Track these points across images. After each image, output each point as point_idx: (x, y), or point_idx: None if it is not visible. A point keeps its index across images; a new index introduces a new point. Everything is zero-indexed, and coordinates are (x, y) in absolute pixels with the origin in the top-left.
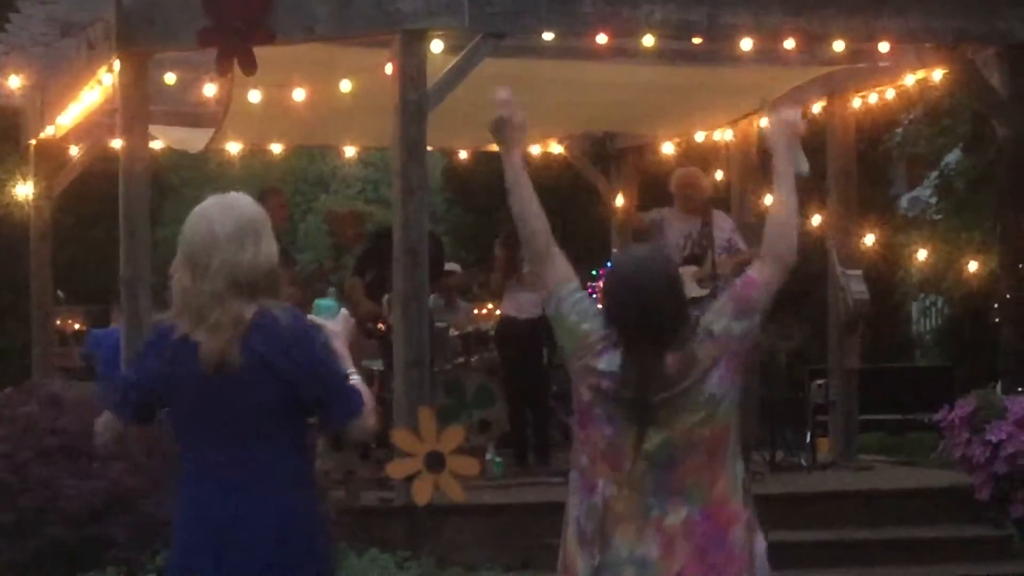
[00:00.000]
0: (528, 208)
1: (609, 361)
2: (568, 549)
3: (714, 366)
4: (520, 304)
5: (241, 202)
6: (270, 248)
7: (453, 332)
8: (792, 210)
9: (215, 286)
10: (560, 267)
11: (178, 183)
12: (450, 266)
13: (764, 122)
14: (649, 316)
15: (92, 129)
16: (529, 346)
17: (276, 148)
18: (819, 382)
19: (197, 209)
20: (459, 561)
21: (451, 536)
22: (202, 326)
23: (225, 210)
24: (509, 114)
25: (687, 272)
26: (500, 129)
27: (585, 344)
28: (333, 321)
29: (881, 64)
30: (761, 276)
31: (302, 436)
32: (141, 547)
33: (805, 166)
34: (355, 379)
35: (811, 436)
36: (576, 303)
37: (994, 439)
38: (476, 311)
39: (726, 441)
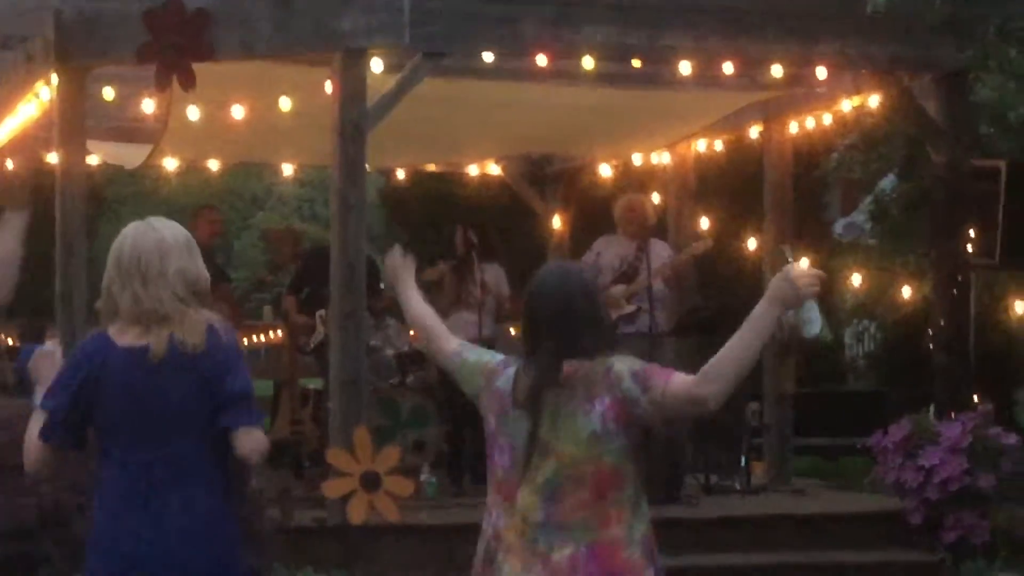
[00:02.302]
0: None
1: (506, 378)
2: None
3: (597, 398)
4: (463, 325)
5: (172, 221)
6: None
7: (388, 352)
8: (742, 365)
9: (175, 289)
10: (455, 337)
11: (113, 199)
12: None
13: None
14: (557, 319)
15: (28, 143)
16: None
17: (213, 165)
18: (754, 405)
19: (133, 226)
20: None
21: (386, 556)
22: (158, 328)
23: (166, 225)
24: (399, 259)
25: (617, 290)
26: (394, 272)
27: (488, 370)
28: None
29: (818, 89)
30: (675, 385)
31: (222, 444)
32: (74, 565)
33: (816, 328)
34: None
35: (745, 459)
36: (473, 349)
37: (927, 464)
38: (411, 331)
39: (616, 486)
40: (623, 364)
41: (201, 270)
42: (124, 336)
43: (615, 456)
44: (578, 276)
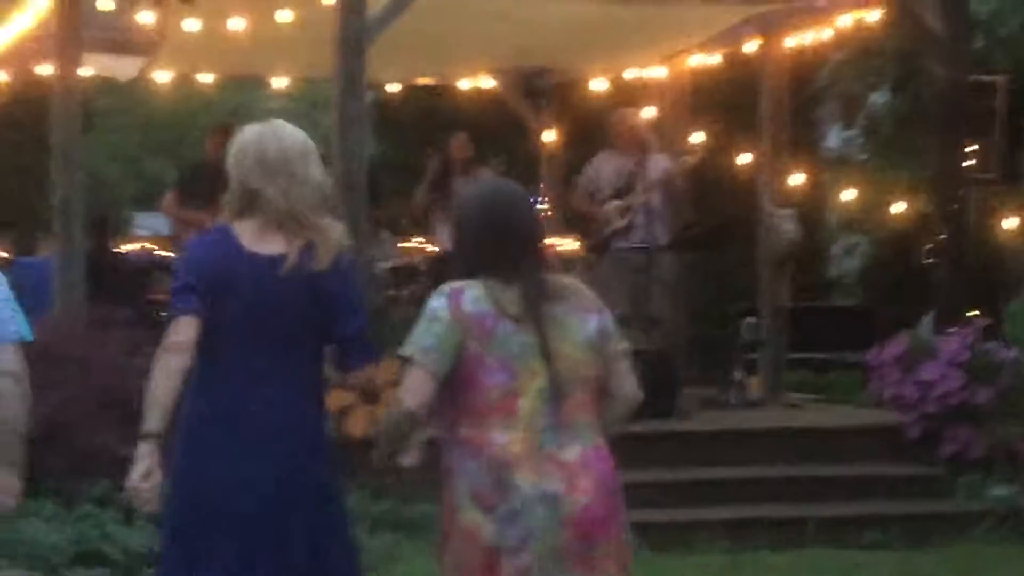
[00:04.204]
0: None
1: (471, 300)
2: (463, 527)
3: (590, 313)
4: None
5: (297, 130)
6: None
7: (382, 265)
8: None
9: (314, 196)
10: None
11: (101, 111)
12: None
13: None
14: (530, 235)
15: (21, 54)
16: None
17: (205, 78)
18: (749, 320)
19: (257, 129)
20: (395, 493)
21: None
22: (295, 234)
23: (292, 132)
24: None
25: (610, 206)
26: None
27: (456, 319)
28: None
29: (818, 3)
30: (627, 367)
31: (323, 360)
32: (79, 477)
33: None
34: None
35: (741, 374)
36: (429, 346)
37: (926, 379)
38: (402, 244)
39: (598, 399)
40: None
41: (325, 177)
42: (256, 240)
43: (601, 371)
44: (526, 195)
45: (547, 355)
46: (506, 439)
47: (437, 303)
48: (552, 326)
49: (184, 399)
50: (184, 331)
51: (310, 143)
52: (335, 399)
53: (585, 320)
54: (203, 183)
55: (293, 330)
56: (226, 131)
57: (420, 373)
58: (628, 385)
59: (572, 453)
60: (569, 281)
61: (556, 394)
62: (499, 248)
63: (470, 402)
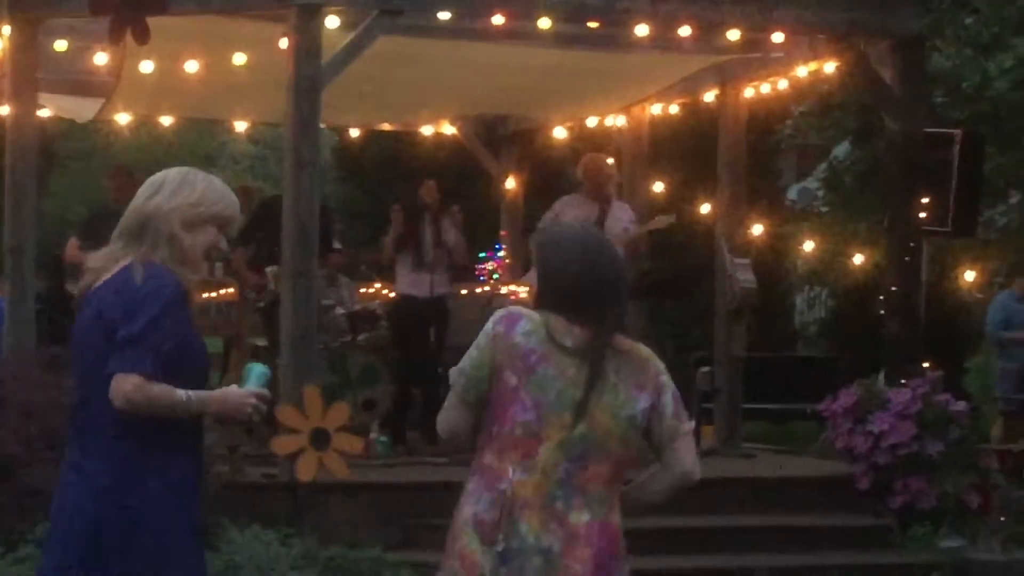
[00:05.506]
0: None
1: (524, 333)
2: (461, 552)
3: (644, 391)
4: (419, 282)
5: (181, 168)
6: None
7: (339, 310)
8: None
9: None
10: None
11: (64, 154)
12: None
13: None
14: (618, 285)
15: None
16: (425, 325)
17: (166, 120)
18: (705, 369)
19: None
20: (341, 539)
21: (334, 514)
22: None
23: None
24: None
25: None
26: None
27: (497, 343)
28: (259, 387)
29: (774, 55)
30: (686, 439)
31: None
32: (21, 517)
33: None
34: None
35: (696, 423)
36: (468, 366)
37: (876, 430)
38: (363, 289)
39: (624, 477)
40: (667, 376)
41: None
42: None
43: (635, 451)
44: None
45: (581, 411)
46: (518, 478)
47: (487, 326)
48: (601, 388)
49: None
50: None
51: (151, 179)
52: (286, 443)
53: (635, 398)
54: (106, 227)
55: (91, 368)
56: (128, 173)
57: (452, 397)
58: (685, 463)
59: (580, 519)
60: (641, 352)
61: (580, 453)
62: (589, 291)
63: (497, 431)
